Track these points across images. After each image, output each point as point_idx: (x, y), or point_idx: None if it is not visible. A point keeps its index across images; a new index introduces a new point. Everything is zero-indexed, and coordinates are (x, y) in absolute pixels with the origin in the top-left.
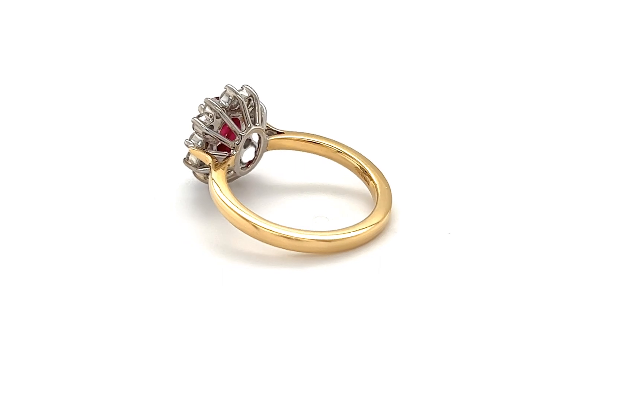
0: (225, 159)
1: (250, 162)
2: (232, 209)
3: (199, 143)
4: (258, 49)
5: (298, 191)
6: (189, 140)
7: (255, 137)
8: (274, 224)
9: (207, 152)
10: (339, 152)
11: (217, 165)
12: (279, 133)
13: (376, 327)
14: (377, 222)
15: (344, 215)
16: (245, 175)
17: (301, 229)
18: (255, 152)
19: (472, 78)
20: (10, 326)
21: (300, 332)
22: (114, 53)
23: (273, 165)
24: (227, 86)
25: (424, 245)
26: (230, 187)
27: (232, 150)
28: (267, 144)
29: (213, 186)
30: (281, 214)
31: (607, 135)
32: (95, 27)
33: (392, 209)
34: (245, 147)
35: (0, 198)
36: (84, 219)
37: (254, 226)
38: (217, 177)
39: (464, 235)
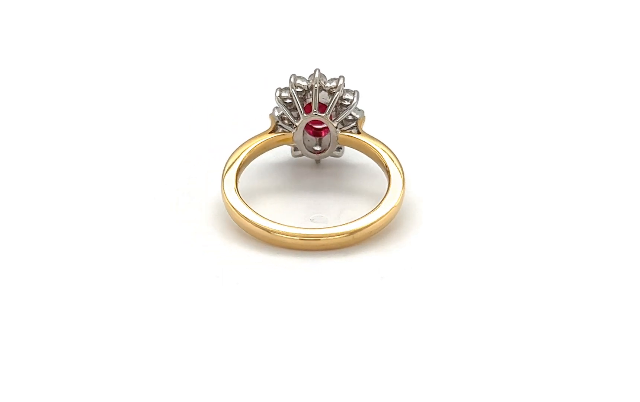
0: (284, 131)
1: (324, 150)
2: (244, 216)
3: (281, 113)
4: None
5: (293, 191)
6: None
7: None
8: (287, 225)
9: (276, 119)
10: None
11: (274, 132)
12: (359, 132)
13: (383, 325)
14: (391, 208)
15: (342, 213)
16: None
17: (315, 226)
18: (328, 142)
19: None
20: (9, 324)
21: (302, 332)
22: (117, 52)
23: (271, 165)
24: (316, 70)
25: (428, 241)
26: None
27: (292, 129)
28: (337, 138)
29: (224, 193)
30: (279, 216)
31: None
32: (96, 27)
33: (406, 198)
34: None
35: (0, 199)
36: (83, 219)
37: (267, 231)
38: (229, 181)
39: (470, 236)
